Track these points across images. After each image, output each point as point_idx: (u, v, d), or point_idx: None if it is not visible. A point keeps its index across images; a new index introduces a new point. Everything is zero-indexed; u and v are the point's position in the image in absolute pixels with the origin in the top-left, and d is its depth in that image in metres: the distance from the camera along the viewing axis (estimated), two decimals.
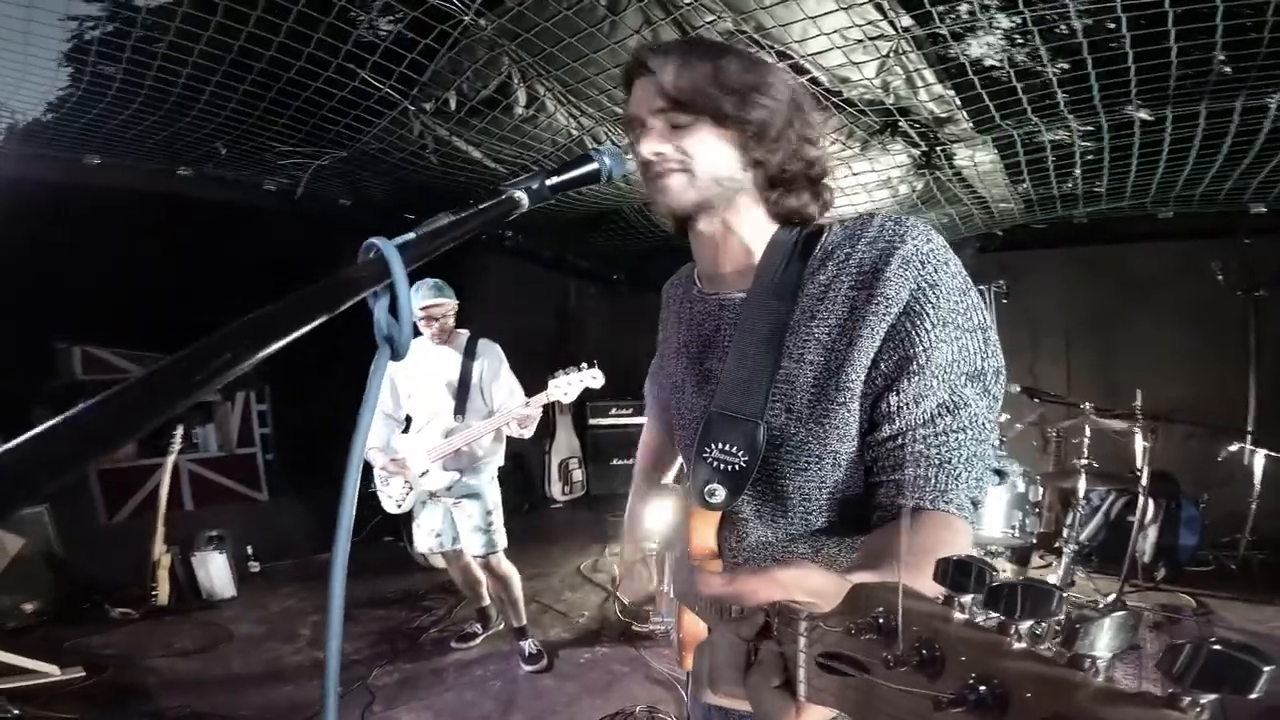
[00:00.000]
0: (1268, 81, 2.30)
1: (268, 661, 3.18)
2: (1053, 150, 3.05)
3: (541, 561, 4.46)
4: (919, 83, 2.48)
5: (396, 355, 0.54)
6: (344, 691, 2.85)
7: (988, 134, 2.89)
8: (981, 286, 3.61)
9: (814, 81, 2.48)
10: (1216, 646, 0.27)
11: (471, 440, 2.84)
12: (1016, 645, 0.34)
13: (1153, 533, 3.69)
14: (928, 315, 0.72)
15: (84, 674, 2.92)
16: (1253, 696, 0.26)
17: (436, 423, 2.89)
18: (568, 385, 2.84)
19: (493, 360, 2.96)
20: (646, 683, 2.90)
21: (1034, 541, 3.09)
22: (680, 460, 1.24)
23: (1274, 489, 3.69)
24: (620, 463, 5.92)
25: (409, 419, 3.01)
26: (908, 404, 0.74)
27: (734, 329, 0.86)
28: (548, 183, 0.72)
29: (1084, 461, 3.28)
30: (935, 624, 0.37)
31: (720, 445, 0.82)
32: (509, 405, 2.88)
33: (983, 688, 0.33)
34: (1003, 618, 0.35)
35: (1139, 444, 3.30)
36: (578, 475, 6.29)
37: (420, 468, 2.86)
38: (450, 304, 2.87)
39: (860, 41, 2.22)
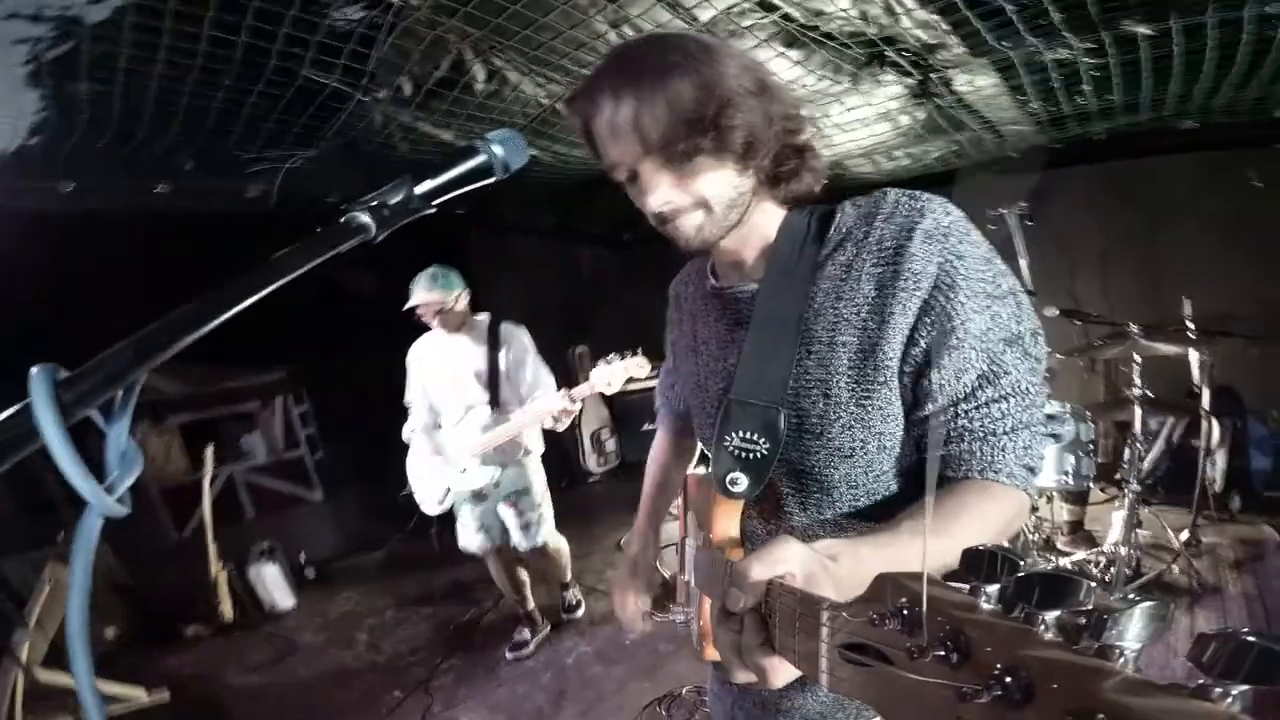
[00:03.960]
0: None
1: (331, 669, 3.35)
2: (1057, 69, 2.91)
3: (583, 540, 4.47)
4: (898, 9, 2.39)
5: (111, 511, 0.42)
6: (404, 695, 3.00)
7: (984, 56, 2.77)
8: (1002, 209, 3.46)
9: (786, 18, 2.41)
10: (1249, 638, 0.27)
11: (512, 434, 2.81)
12: (1043, 635, 0.34)
13: (1221, 458, 3.55)
14: (959, 287, 0.73)
15: (168, 695, 3.08)
16: None
17: (473, 416, 2.87)
18: (610, 375, 2.72)
19: (518, 345, 2.92)
20: (693, 661, 2.89)
21: (1089, 485, 3.00)
22: (693, 458, 1.27)
23: None
24: (651, 427, 5.90)
25: (434, 414, 2.99)
26: (949, 379, 0.75)
27: (752, 319, 0.86)
28: (417, 191, 0.61)
29: (1137, 391, 3.07)
30: (960, 614, 0.37)
31: (741, 433, 0.83)
32: (541, 392, 2.86)
33: (1008, 678, 0.33)
34: (1030, 608, 0.35)
35: (1194, 360, 3.12)
36: (610, 445, 6.31)
37: (460, 465, 2.86)
38: (449, 296, 2.81)
39: None
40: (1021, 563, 0.37)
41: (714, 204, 0.79)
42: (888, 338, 0.76)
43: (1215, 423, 3.38)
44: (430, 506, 2.99)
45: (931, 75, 2.95)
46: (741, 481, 0.84)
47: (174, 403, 4.44)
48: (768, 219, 0.87)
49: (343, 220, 0.55)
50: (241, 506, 4.67)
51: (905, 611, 0.41)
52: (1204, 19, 2.37)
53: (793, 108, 0.82)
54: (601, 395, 6.30)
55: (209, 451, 4.02)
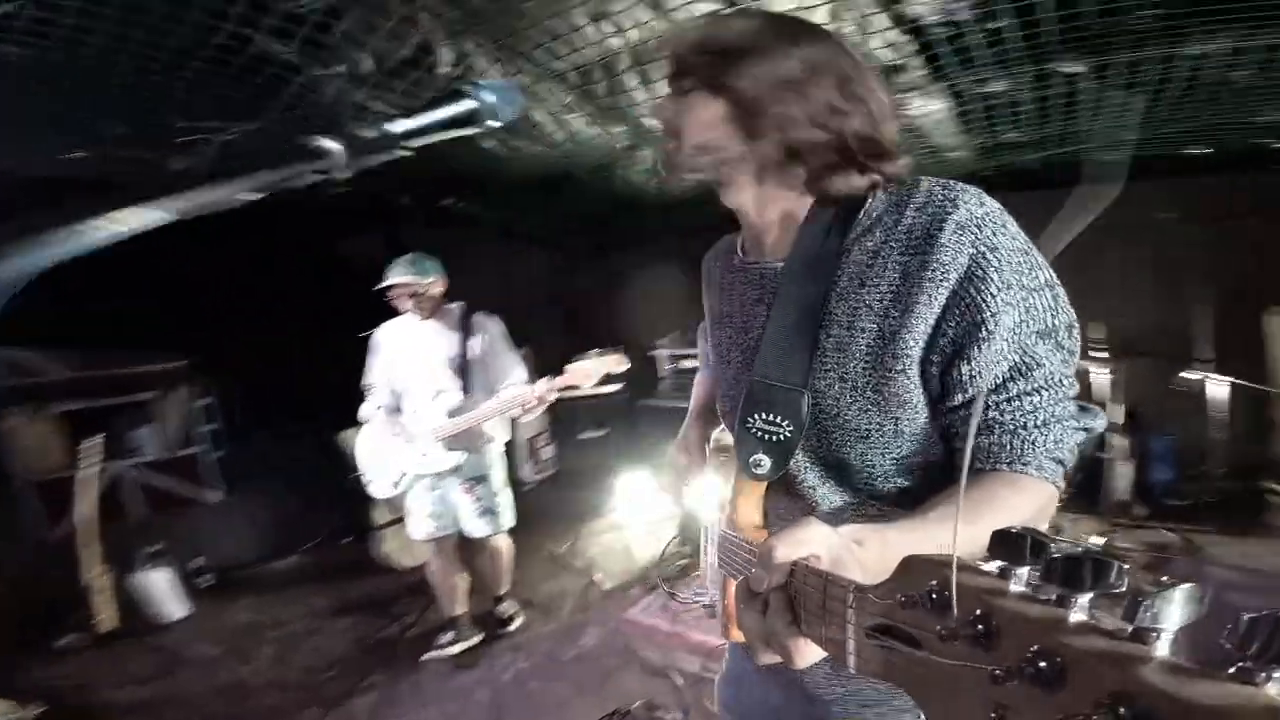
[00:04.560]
0: (1176, 33, 2.37)
1: (228, 683, 3.10)
2: (999, 99, 3.10)
3: (516, 550, 4.38)
4: (871, 27, 2.47)
5: None
6: (324, 712, 2.82)
7: (942, 82, 2.91)
8: None
9: None
10: None
11: (480, 421, 2.79)
12: (1076, 618, 0.34)
13: (1127, 469, 3.86)
14: (991, 279, 0.73)
15: (40, 710, 2.84)
16: None
17: (441, 401, 2.86)
18: (589, 369, 2.71)
19: (491, 334, 2.96)
20: (642, 675, 2.86)
21: None
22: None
23: (1240, 418, 3.86)
24: (591, 435, 5.86)
25: (399, 399, 2.98)
26: (980, 371, 0.75)
27: (775, 297, 0.87)
28: (393, 128, 0.56)
29: None
30: (991, 597, 0.37)
31: (764, 415, 0.84)
32: (511, 381, 2.88)
33: (1041, 662, 0.33)
34: (1062, 590, 0.35)
35: (1098, 378, 3.40)
36: (547, 453, 6.21)
37: (422, 448, 2.83)
38: (427, 281, 2.84)
39: None
40: (1051, 545, 0.37)
41: (685, 138, 0.82)
42: (909, 327, 0.76)
43: (1121, 437, 3.71)
44: (382, 489, 2.95)
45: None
46: (765, 463, 0.85)
47: (57, 387, 4.08)
48: (794, 202, 0.87)
49: (307, 145, 0.50)
50: (130, 505, 4.32)
51: (935, 594, 0.40)
52: (1121, 58, 2.55)
53: (856, 101, 0.80)
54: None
55: (91, 443, 3.70)
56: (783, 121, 0.79)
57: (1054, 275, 0.77)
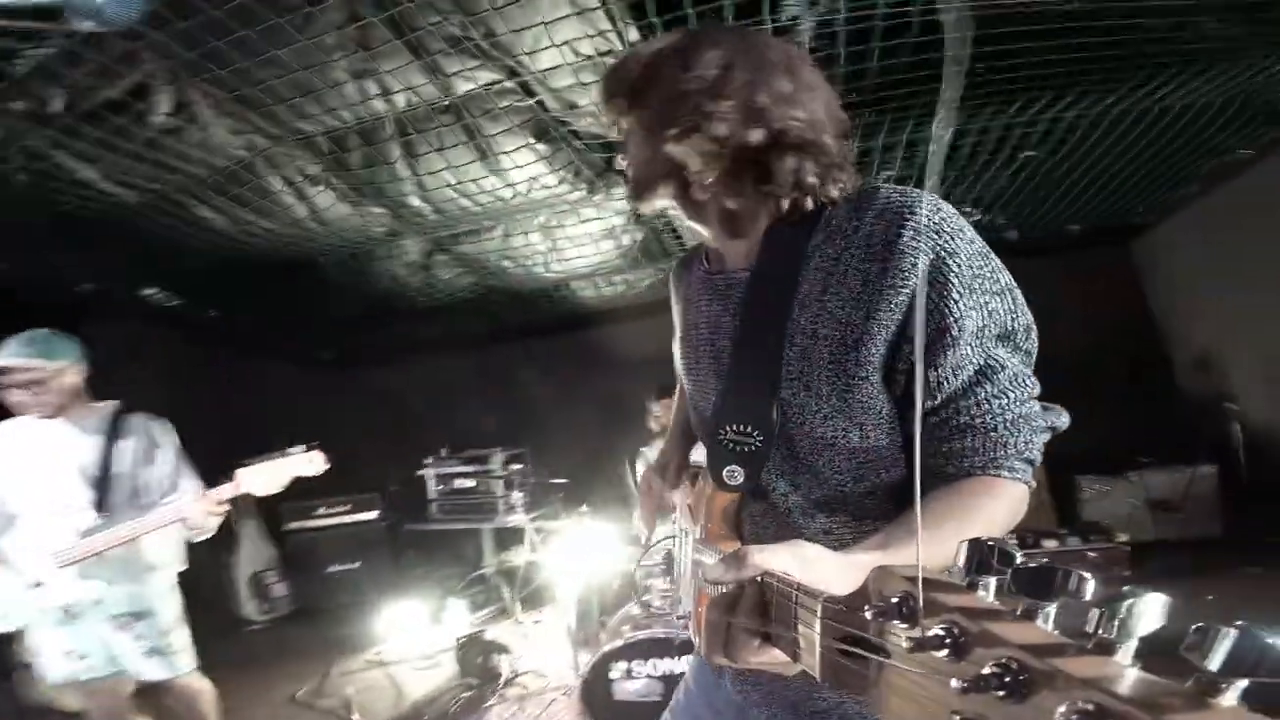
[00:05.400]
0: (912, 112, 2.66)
1: None
2: None
3: (241, 693, 3.59)
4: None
5: None
6: None
7: None
8: None
9: (542, 105, 2.45)
10: (1252, 631, 0.29)
11: (116, 543, 2.21)
12: (1042, 629, 0.35)
13: None
14: (953, 285, 0.75)
15: None
16: None
17: (67, 519, 2.25)
18: (263, 474, 2.27)
19: (150, 440, 2.40)
20: None
21: None
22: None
23: None
24: (339, 569, 5.15)
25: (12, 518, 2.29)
26: (946, 377, 0.77)
27: (740, 307, 0.89)
28: None
29: None
30: (959, 607, 0.37)
31: (734, 426, 0.85)
32: (175, 497, 2.31)
33: (1008, 672, 0.33)
34: (1029, 600, 0.36)
35: None
36: (278, 590, 5.34)
37: (34, 576, 2.19)
38: (52, 367, 2.23)
39: (590, 59, 2.20)
40: (1018, 555, 0.38)
41: (631, 160, 0.91)
42: (872, 333, 0.77)
43: None
44: None
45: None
46: (738, 474, 0.86)
47: None
48: (757, 212, 0.88)
49: None
50: None
51: (903, 606, 0.40)
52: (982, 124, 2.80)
53: (779, 93, 0.82)
54: (270, 530, 5.42)
55: None
56: (702, 120, 0.81)
57: (1011, 279, 0.81)
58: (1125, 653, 0.32)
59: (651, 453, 3.40)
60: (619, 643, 2.48)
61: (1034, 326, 0.81)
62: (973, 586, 0.38)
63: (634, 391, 4.14)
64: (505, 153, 2.77)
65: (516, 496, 4.74)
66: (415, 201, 3.14)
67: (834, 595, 0.50)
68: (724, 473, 0.87)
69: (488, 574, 4.91)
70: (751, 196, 0.87)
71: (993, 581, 0.38)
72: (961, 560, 0.40)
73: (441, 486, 5.01)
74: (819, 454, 0.84)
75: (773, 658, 0.59)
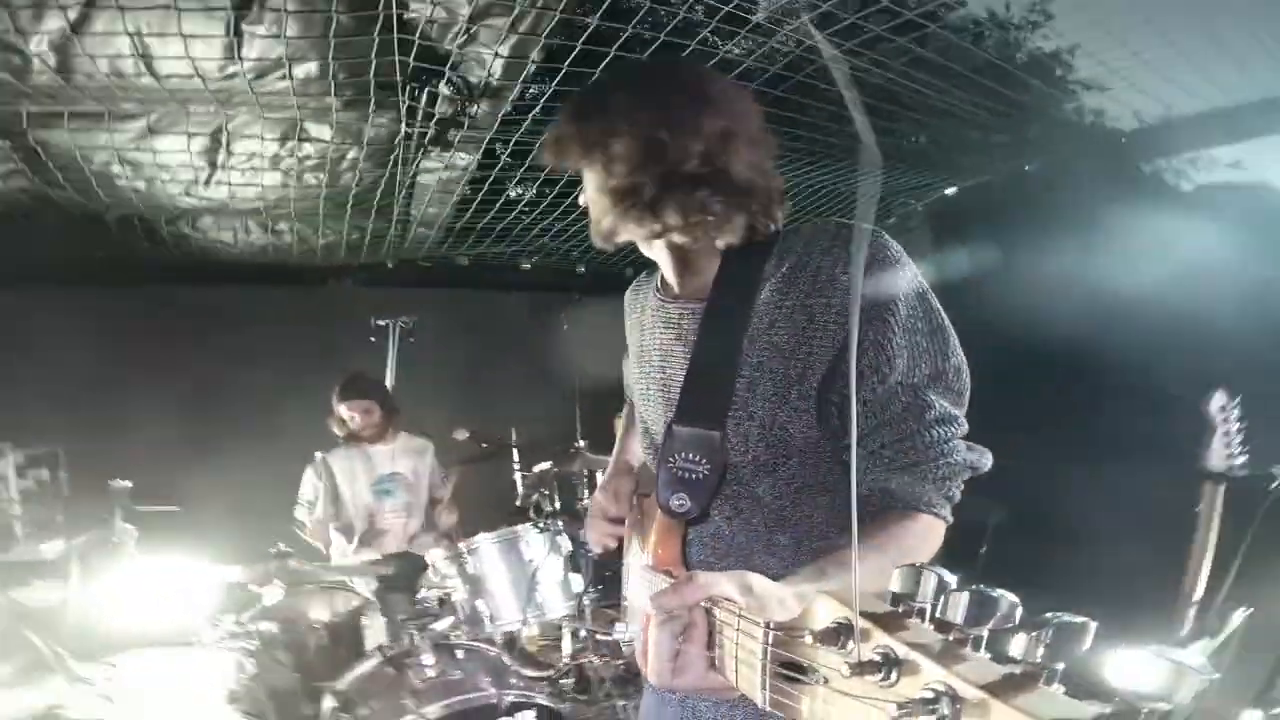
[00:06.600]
0: None
1: None
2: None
3: None
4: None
5: None
6: None
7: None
8: (386, 320, 3.88)
9: None
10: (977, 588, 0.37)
11: None
12: (974, 654, 0.37)
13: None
14: (890, 323, 0.78)
15: None
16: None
17: None
18: None
19: None
20: None
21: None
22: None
23: None
24: None
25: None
26: (874, 411, 0.79)
27: (693, 337, 0.91)
28: None
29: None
30: (894, 633, 0.39)
31: (683, 455, 0.87)
32: None
33: (941, 695, 0.35)
34: (961, 626, 0.38)
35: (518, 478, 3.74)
36: None
37: None
38: None
39: None
40: (951, 582, 0.39)
41: (591, 203, 0.91)
42: (814, 367, 0.80)
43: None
44: None
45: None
46: (686, 502, 0.87)
47: None
48: (707, 247, 0.90)
49: None
50: None
51: (841, 632, 0.42)
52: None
53: (714, 133, 0.83)
54: None
55: None
56: (648, 163, 0.83)
57: (946, 319, 0.83)
58: (1054, 675, 0.34)
59: (336, 461, 3.10)
60: None
61: (965, 367, 0.84)
62: (908, 613, 0.40)
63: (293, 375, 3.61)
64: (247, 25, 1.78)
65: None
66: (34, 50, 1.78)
67: (777, 621, 0.52)
68: (672, 501, 0.88)
69: None
70: (703, 236, 0.89)
71: (927, 607, 0.40)
72: (897, 588, 0.41)
73: None
74: (761, 481, 0.87)
75: (718, 682, 0.61)
